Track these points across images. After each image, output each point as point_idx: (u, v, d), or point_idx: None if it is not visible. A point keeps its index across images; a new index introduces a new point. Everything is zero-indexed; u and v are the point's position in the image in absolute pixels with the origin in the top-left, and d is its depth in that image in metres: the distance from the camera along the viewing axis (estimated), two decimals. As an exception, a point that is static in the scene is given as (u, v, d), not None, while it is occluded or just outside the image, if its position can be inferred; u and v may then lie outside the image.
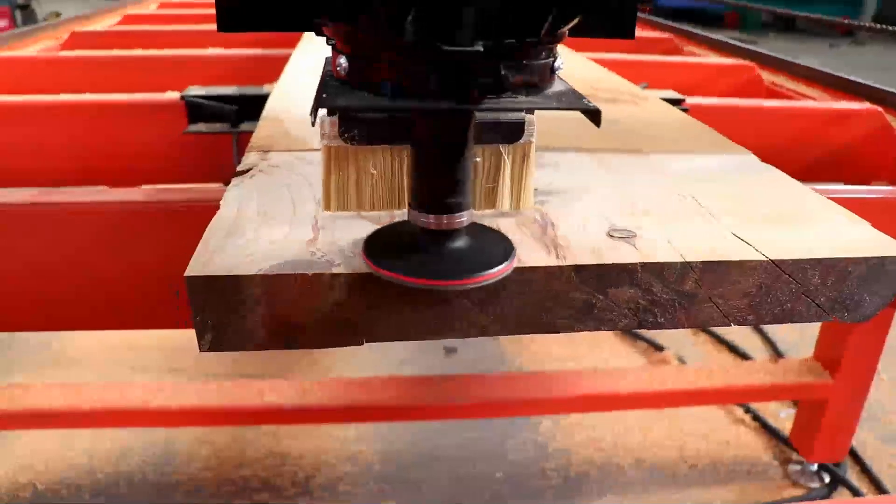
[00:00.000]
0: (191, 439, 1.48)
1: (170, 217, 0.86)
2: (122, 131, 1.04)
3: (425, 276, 0.47)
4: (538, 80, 0.46)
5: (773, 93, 1.41)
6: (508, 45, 0.43)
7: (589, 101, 0.47)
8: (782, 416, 1.59)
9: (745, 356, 1.80)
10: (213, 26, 0.47)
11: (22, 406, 1.21)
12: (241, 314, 0.49)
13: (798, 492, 1.41)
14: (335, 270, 0.49)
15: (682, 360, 1.77)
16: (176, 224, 0.81)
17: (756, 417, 1.57)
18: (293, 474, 1.41)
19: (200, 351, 0.51)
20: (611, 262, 0.51)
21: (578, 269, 0.51)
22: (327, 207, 0.55)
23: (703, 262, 0.52)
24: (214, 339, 0.50)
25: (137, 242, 0.86)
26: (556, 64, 0.47)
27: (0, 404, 1.21)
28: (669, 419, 1.58)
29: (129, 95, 1.06)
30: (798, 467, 1.45)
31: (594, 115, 0.47)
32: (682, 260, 0.52)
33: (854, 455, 1.48)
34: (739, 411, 1.60)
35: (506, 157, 0.55)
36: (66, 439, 1.47)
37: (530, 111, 0.54)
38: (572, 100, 0.47)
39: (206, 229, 0.54)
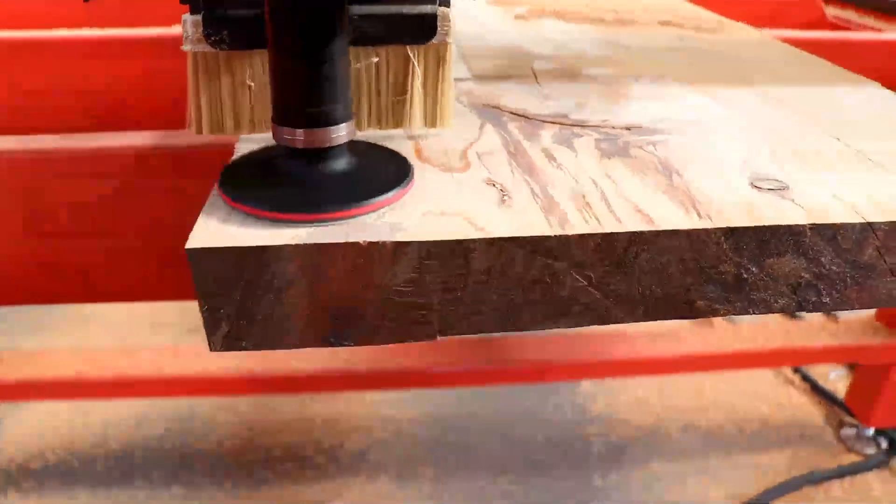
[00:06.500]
0: (211, 405, 1.35)
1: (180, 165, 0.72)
2: (123, 70, 0.88)
3: (280, 207, 0.36)
4: None
5: (837, 28, 1.24)
6: None
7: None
8: (832, 377, 1.45)
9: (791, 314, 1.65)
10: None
11: (25, 375, 1.07)
12: (269, 301, 0.35)
13: (854, 458, 1.27)
14: (401, 237, 0.34)
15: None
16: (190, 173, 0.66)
17: (806, 378, 1.43)
18: (321, 442, 1.28)
19: (211, 350, 0.37)
20: (772, 222, 0.36)
21: (731, 232, 0.36)
22: (198, 130, 0.43)
23: (889, 224, 0.37)
24: (230, 333, 0.36)
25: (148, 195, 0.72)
26: None
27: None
28: (716, 379, 1.45)
29: (135, 30, 0.89)
30: (852, 431, 1.32)
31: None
32: (862, 220, 0.37)
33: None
34: (789, 372, 1.46)
35: (415, 62, 0.42)
36: (80, 406, 1.35)
37: (444, 2, 0.42)
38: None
39: (215, 187, 0.40)
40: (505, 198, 0.38)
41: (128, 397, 1.28)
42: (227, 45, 0.41)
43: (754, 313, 0.38)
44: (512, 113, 0.50)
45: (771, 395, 1.41)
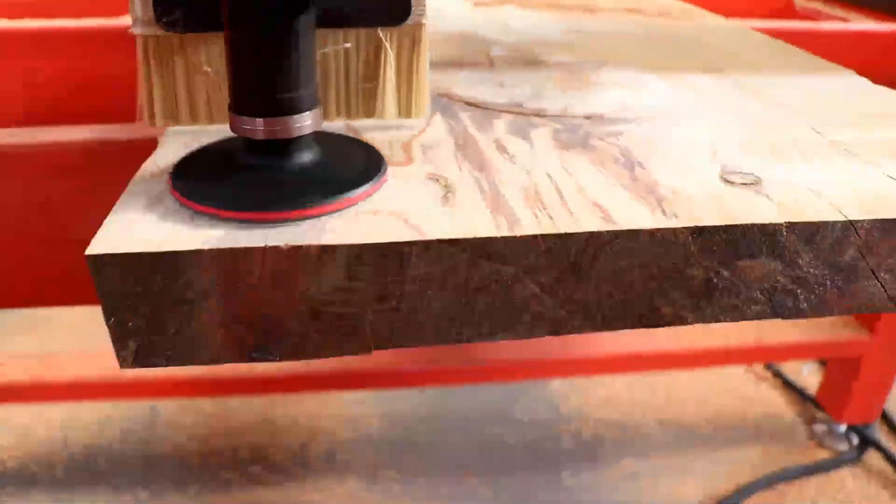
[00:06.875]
0: (174, 407, 1.30)
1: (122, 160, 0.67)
2: (63, 64, 0.82)
3: (233, 205, 0.31)
4: None
5: (807, 19, 1.20)
6: None
7: None
8: (805, 373, 1.42)
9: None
10: None
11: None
12: (182, 313, 0.30)
13: (826, 454, 1.25)
14: (327, 240, 0.29)
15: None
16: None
17: (778, 374, 1.40)
18: (287, 443, 1.23)
19: (121, 367, 0.32)
20: (745, 221, 0.32)
21: (699, 232, 0.32)
22: (151, 122, 0.39)
23: (872, 221, 0.33)
24: (141, 349, 0.31)
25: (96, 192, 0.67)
26: None
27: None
28: (689, 376, 1.41)
29: (73, 21, 0.84)
30: (824, 427, 1.29)
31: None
32: (843, 218, 0.33)
33: (884, 416, 1.31)
34: (760, 367, 1.43)
35: (387, 45, 0.38)
36: (39, 409, 1.29)
37: None
38: None
39: (129, 185, 0.35)
40: (448, 195, 0.33)
41: (87, 400, 1.23)
42: (181, 27, 0.36)
43: (725, 321, 0.34)
44: (464, 102, 0.46)
45: (743, 392, 1.38)
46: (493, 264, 0.30)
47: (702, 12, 0.79)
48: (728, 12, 1.11)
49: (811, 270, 0.34)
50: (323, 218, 0.31)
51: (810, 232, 0.33)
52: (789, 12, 1.25)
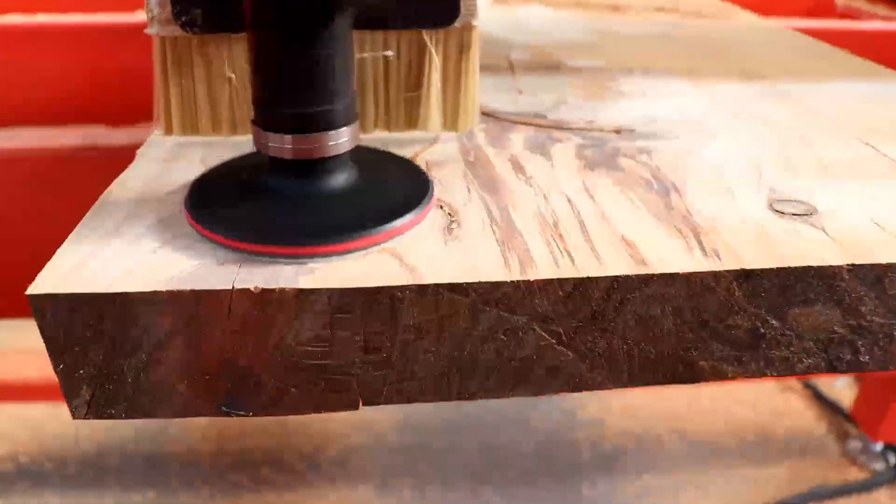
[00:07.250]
0: (186, 407, 1.27)
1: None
2: (75, 61, 0.78)
3: (252, 237, 0.26)
4: None
5: (848, 18, 1.14)
6: None
7: None
8: (837, 386, 1.35)
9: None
10: None
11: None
12: (140, 362, 0.26)
13: (860, 473, 1.18)
14: (304, 284, 0.25)
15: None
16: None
17: (808, 386, 1.34)
18: (300, 446, 1.20)
19: (74, 418, 0.28)
20: (800, 262, 0.27)
21: (745, 276, 0.27)
22: (168, 130, 0.35)
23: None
24: (95, 400, 0.27)
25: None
26: None
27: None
28: (712, 386, 1.35)
29: (88, 17, 0.80)
30: (858, 444, 1.22)
31: None
32: (916, 258, 0.28)
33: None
34: (790, 378, 1.37)
35: (432, 49, 0.34)
36: (53, 407, 1.26)
37: None
38: None
39: (91, 210, 0.31)
40: (452, 225, 0.28)
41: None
42: (201, 27, 0.32)
43: (772, 375, 0.29)
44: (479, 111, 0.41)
45: (770, 404, 1.32)
46: (500, 312, 0.25)
47: (737, 11, 0.73)
48: (763, 10, 1.05)
49: (875, 319, 0.29)
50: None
51: (876, 275, 0.28)
52: (828, 10, 1.18)
